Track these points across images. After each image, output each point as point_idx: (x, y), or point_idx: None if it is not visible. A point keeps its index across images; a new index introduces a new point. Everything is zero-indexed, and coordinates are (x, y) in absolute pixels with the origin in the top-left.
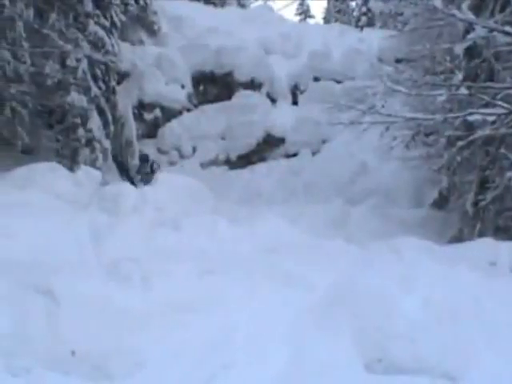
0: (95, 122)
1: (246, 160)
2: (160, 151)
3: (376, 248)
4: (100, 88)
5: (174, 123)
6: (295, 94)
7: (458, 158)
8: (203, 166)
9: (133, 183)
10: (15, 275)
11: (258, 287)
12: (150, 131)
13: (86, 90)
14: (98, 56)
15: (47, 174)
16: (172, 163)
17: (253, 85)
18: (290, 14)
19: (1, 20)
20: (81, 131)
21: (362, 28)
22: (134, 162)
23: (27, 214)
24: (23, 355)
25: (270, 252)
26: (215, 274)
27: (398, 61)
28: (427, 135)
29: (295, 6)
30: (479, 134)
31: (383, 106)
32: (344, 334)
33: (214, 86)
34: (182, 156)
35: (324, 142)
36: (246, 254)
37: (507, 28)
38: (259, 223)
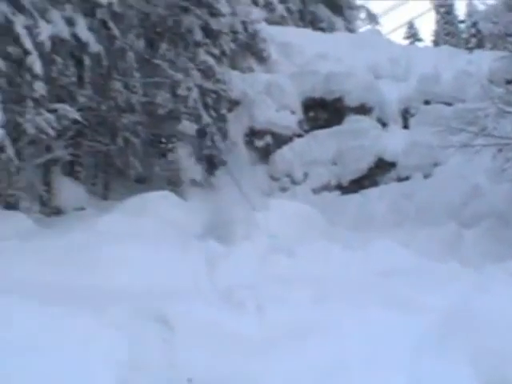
0: None
1: (357, 185)
2: (272, 178)
3: (491, 271)
4: (211, 116)
5: (285, 149)
6: (406, 117)
7: None
8: (315, 191)
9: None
10: (131, 303)
11: (373, 312)
12: (262, 158)
13: (197, 119)
14: (208, 84)
15: (160, 202)
16: (284, 189)
17: (363, 109)
18: (399, 37)
19: (112, 51)
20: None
21: (471, 50)
22: (246, 188)
23: (142, 243)
24: (140, 383)
25: (383, 276)
26: (329, 300)
27: (509, 82)
28: None
29: (404, 29)
30: None
31: (495, 128)
32: (462, 360)
33: (325, 111)
34: (293, 182)
35: (436, 165)
36: (360, 278)
37: None
38: (372, 247)
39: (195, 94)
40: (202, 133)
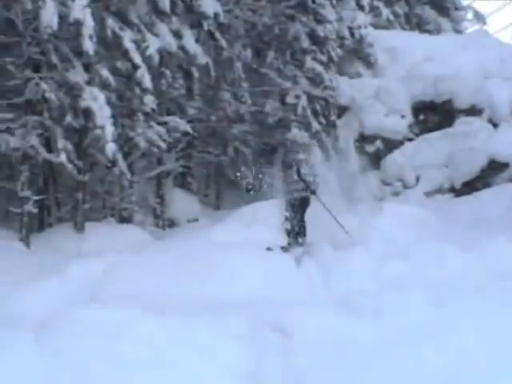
0: (317, 157)
1: (470, 187)
2: (384, 182)
3: None
4: (320, 123)
5: (396, 154)
6: None
7: None
8: (428, 194)
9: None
10: (250, 312)
11: (493, 314)
12: (372, 163)
13: (307, 126)
14: (316, 91)
15: (272, 211)
16: (396, 194)
17: (473, 111)
18: (507, 36)
19: (220, 62)
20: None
21: None
22: (358, 194)
23: (255, 252)
24: None
25: (502, 277)
26: (447, 303)
27: None
28: None
29: None
30: None
31: None
32: None
33: (434, 114)
34: (405, 186)
35: None
36: (478, 280)
37: None
38: (489, 249)
39: (304, 101)
40: (286, 165)
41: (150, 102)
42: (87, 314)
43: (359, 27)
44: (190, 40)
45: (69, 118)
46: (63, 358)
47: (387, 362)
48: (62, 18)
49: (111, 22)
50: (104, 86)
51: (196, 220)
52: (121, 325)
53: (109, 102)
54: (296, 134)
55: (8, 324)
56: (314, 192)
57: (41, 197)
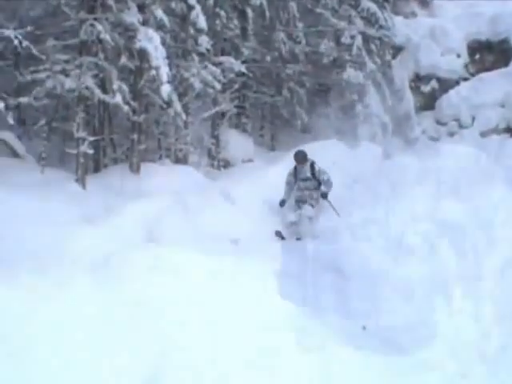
0: (373, 97)
1: None
2: (439, 123)
3: None
4: (375, 63)
5: (451, 94)
6: None
7: None
8: (483, 134)
9: None
10: (301, 254)
11: None
12: (428, 103)
13: (362, 66)
14: (371, 31)
15: (327, 151)
16: (451, 134)
17: None
18: None
19: (275, 2)
20: (359, 107)
21: None
22: (414, 134)
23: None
24: (315, 332)
25: None
26: (501, 244)
27: None
28: None
29: None
30: None
31: None
32: None
33: (490, 53)
34: (461, 126)
35: None
36: None
37: None
38: None
39: (359, 41)
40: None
41: (204, 42)
42: (143, 254)
43: None
44: None
45: (124, 59)
46: (120, 295)
47: (443, 300)
48: None
49: None
50: (159, 26)
51: (251, 161)
52: (175, 265)
53: (164, 43)
54: (351, 74)
55: (66, 264)
56: (325, 196)
57: (96, 138)
